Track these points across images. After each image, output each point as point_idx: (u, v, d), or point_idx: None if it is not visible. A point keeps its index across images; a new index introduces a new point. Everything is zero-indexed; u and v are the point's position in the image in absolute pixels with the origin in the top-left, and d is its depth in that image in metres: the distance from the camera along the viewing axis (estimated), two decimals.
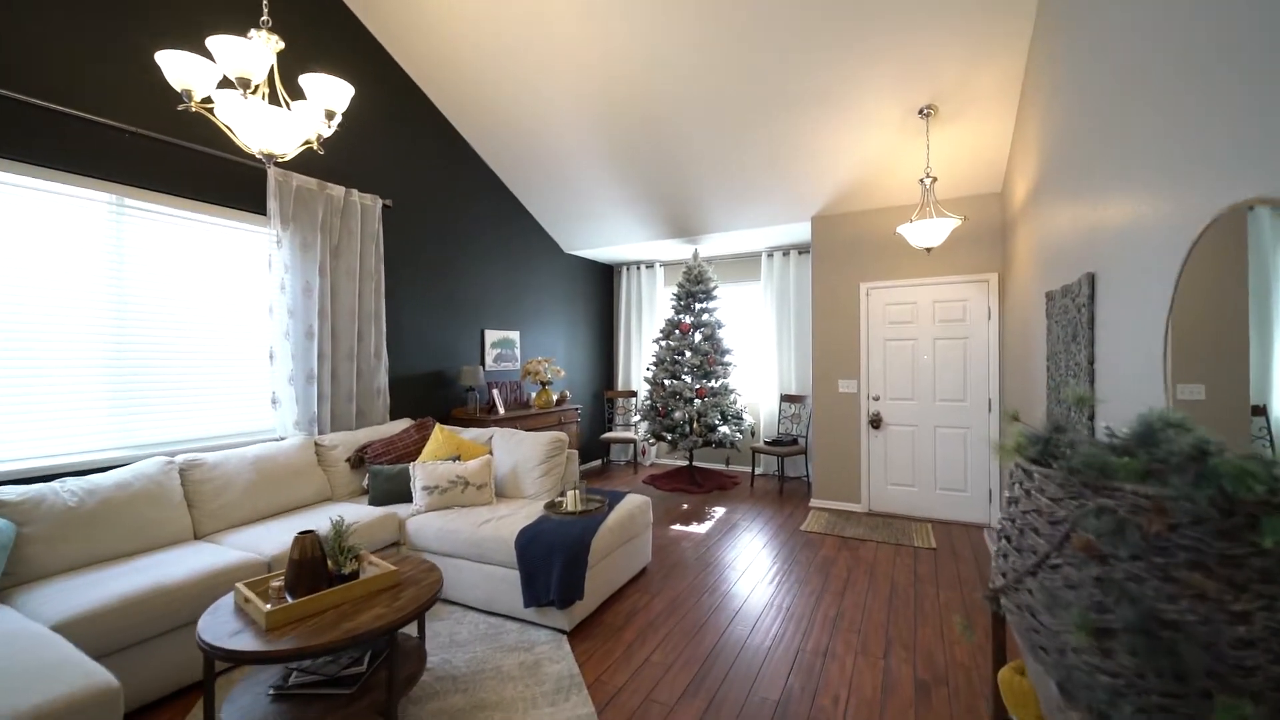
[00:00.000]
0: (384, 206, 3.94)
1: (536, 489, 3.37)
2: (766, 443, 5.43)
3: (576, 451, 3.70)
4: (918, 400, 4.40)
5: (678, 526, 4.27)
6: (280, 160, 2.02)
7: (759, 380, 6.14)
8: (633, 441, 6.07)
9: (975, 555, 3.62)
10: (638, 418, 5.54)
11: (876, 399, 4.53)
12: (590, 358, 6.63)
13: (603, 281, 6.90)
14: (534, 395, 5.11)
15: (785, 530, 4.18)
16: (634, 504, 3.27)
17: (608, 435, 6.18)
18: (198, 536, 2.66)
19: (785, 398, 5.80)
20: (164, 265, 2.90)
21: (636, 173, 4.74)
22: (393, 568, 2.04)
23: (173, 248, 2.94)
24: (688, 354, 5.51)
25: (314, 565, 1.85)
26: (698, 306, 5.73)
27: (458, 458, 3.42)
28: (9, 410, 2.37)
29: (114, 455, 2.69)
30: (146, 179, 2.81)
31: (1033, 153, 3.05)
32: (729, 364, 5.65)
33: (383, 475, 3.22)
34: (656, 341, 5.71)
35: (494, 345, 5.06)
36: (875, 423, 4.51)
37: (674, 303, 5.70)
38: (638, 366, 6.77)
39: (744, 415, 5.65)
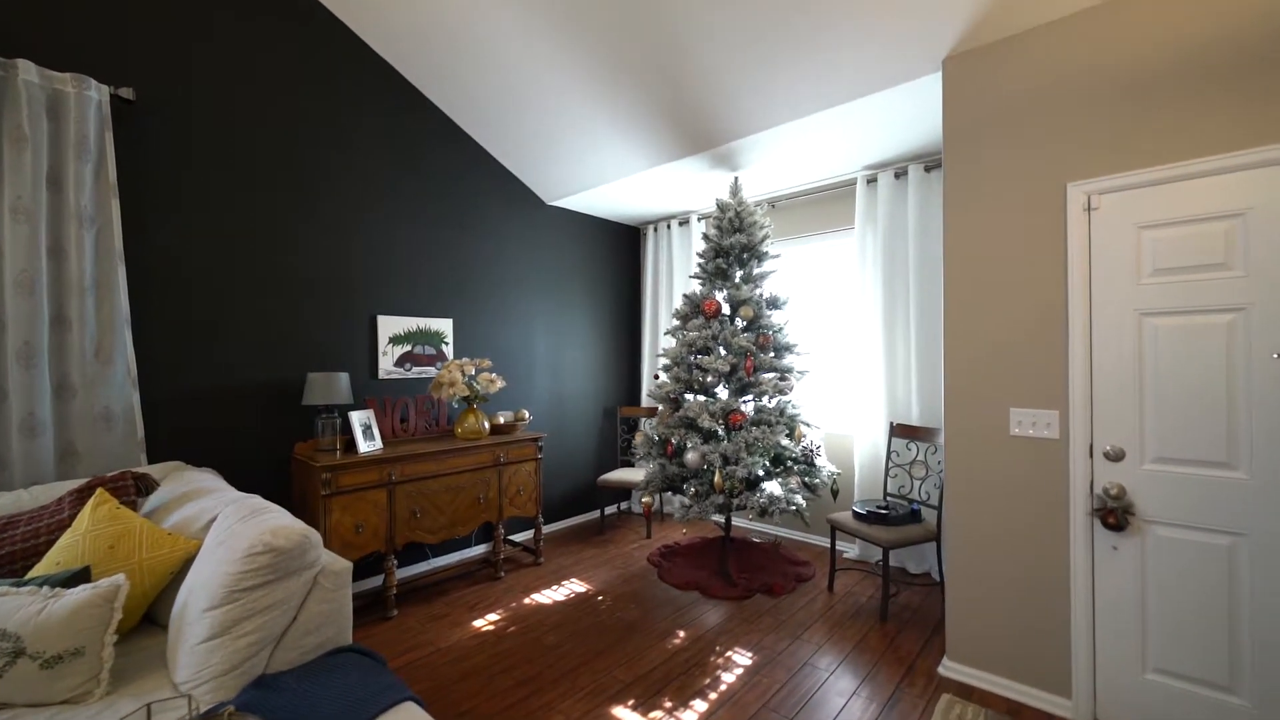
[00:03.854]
0: (115, 99, 2.32)
1: (197, 667, 1.43)
2: (860, 513, 2.93)
3: (348, 570, 1.67)
4: (1246, 470, 1.69)
5: (630, 712, 2.06)
6: None
7: (852, 398, 3.59)
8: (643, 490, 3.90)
9: None
10: (639, 454, 3.39)
11: (1115, 457, 1.88)
12: (598, 359, 4.59)
13: (622, 248, 4.81)
14: (462, 418, 3.22)
15: None
16: None
17: (609, 477, 4.08)
18: None
19: (900, 431, 3.23)
20: None
21: (614, 39, 2.61)
22: None
23: None
24: (722, 351, 3.23)
25: None
26: (737, 274, 3.40)
27: (85, 570, 1.63)
28: None
29: None
30: None
31: None
32: (790, 370, 3.24)
33: None
34: (671, 334, 3.50)
35: (397, 341, 3.26)
36: (1113, 515, 1.86)
37: (699, 267, 3.45)
38: None
39: (818, 459, 3.20)
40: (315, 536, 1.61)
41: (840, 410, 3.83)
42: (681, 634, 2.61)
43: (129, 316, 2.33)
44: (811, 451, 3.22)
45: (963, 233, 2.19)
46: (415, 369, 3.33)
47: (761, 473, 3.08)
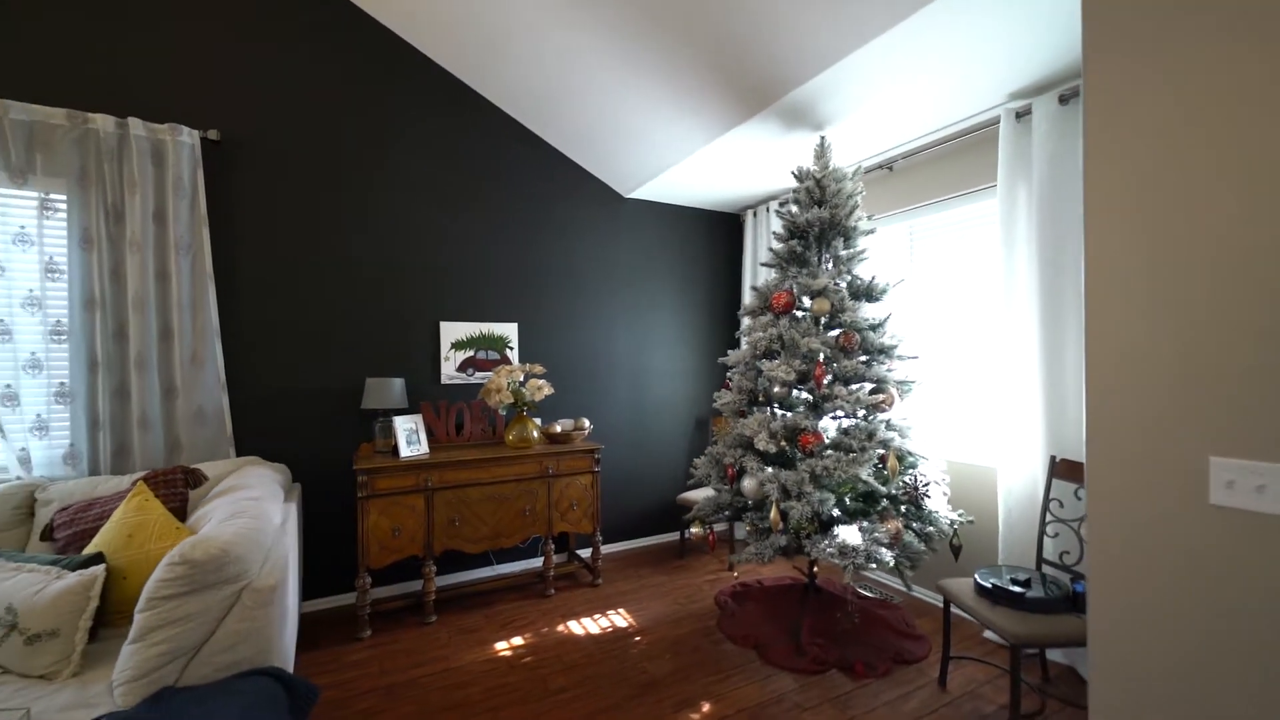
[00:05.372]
0: (205, 141, 2.68)
1: (121, 667, 1.45)
2: (984, 586, 2.06)
3: (272, 589, 1.58)
4: None
5: None
6: None
7: (996, 420, 2.59)
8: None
9: None
10: (698, 474, 2.92)
11: None
12: (689, 363, 4.17)
13: (718, 239, 4.31)
14: (511, 426, 3.13)
15: None
16: None
17: (688, 495, 3.65)
18: None
19: (1065, 470, 2.22)
20: None
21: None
22: None
23: None
24: (797, 362, 2.59)
25: None
26: (822, 259, 2.72)
27: (98, 556, 1.83)
28: None
29: None
30: None
31: None
32: (885, 380, 2.46)
33: None
34: (741, 336, 2.95)
35: (459, 346, 3.30)
36: None
37: (770, 252, 2.83)
38: None
39: (926, 503, 2.39)
40: (239, 551, 1.58)
41: (979, 435, 2.84)
42: (706, 707, 2.10)
43: (218, 328, 2.68)
44: (917, 490, 2.39)
45: (1115, 156, 1.31)
46: (478, 374, 3.34)
47: (837, 512, 2.37)
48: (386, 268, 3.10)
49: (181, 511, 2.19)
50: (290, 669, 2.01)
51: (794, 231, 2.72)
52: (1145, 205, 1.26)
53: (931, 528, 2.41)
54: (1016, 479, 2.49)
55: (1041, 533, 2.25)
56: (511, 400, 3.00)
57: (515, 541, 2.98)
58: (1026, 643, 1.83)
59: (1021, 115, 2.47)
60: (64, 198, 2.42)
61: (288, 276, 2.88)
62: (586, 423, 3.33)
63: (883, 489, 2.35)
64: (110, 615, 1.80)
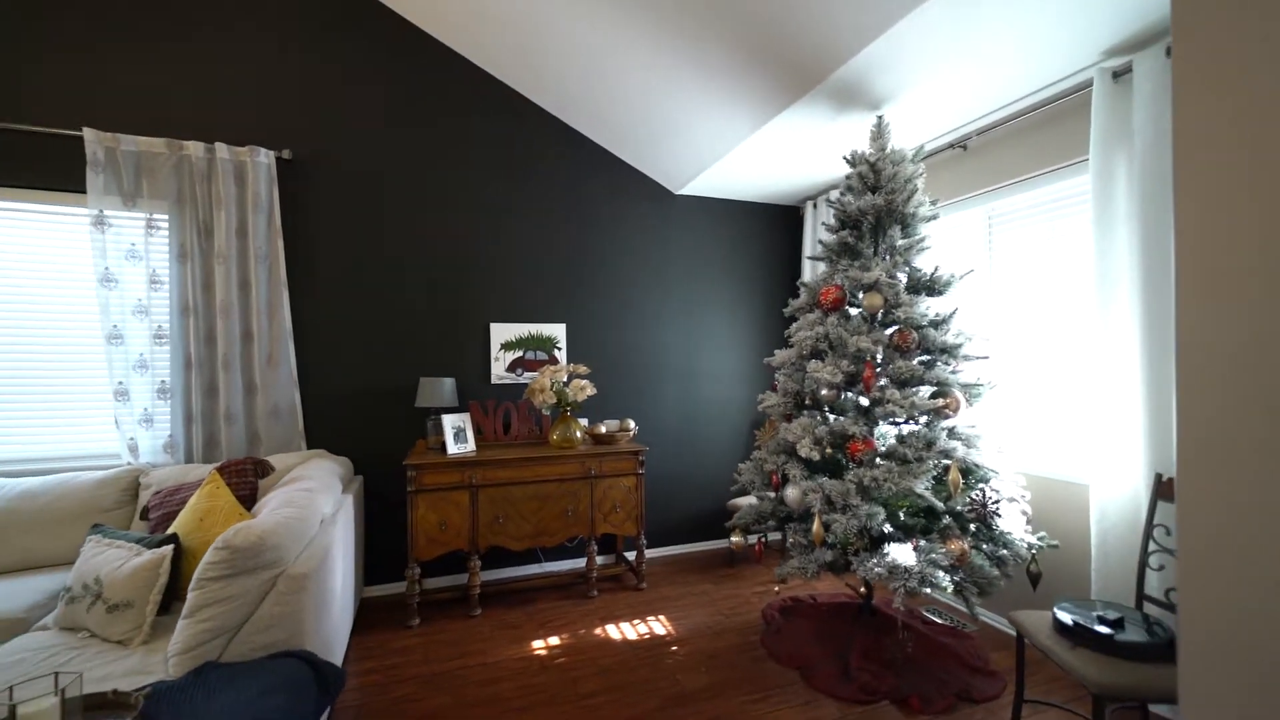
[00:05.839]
0: (279, 160, 2.91)
1: (175, 638, 1.59)
2: (1064, 623, 1.77)
3: (305, 577, 1.67)
4: None
5: None
6: None
7: (1089, 430, 2.24)
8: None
9: None
10: (742, 481, 2.78)
11: None
12: (743, 364, 4.01)
13: (776, 233, 4.11)
14: (555, 426, 3.16)
15: None
16: None
17: (738, 502, 3.50)
18: None
19: (1168, 489, 1.87)
20: None
21: None
22: None
23: None
24: (845, 362, 2.38)
25: None
26: (879, 250, 2.49)
27: (172, 536, 2.03)
28: None
29: None
30: None
31: None
32: (948, 384, 2.21)
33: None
34: (790, 338, 2.77)
35: (508, 347, 3.38)
36: None
37: (822, 243, 2.64)
38: None
39: (997, 522, 2.11)
40: (274, 540, 1.69)
41: (1068, 446, 2.48)
42: None
43: (291, 331, 2.92)
44: (986, 508, 2.12)
45: (1217, 107, 1.06)
46: (526, 374, 3.40)
47: (889, 528, 2.16)
48: (440, 272, 3.24)
49: (251, 499, 2.39)
50: (337, 652, 2.14)
51: (845, 221, 2.52)
52: (1257, 170, 1.01)
53: (1005, 550, 2.13)
54: (1113, 499, 2.14)
55: (1143, 563, 1.91)
56: (555, 400, 3.02)
57: (558, 541, 2.99)
58: (1111, 694, 1.55)
59: (1119, 75, 2.12)
60: (165, 217, 2.74)
61: (350, 282, 3.08)
62: (631, 424, 3.29)
63: (941, 505, 2.10)
64: (182, 591, 1.98)
